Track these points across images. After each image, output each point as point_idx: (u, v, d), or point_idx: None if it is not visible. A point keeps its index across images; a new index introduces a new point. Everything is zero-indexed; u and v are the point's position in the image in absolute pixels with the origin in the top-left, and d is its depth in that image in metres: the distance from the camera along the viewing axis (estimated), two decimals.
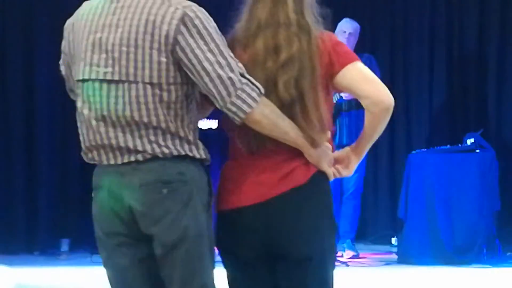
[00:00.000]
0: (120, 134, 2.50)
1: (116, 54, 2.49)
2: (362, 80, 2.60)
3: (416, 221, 6.74)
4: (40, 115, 7.79)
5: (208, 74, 2.45)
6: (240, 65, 2.50)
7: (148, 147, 2.48)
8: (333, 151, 2.69)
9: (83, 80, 2.54)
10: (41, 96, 7.78)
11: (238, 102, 2.46)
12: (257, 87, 2.49)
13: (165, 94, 2.48)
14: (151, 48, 2.46)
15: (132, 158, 2.50)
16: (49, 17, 7.83)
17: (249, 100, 2.47)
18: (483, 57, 8.08)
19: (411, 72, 8.30)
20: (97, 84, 2.51)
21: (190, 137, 2.53)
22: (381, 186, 8.32)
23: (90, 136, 2.55)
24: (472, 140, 6.94)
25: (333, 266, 2.70)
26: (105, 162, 2.55)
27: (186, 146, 2.52)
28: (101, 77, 2.50)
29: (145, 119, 2.48)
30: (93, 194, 2.62)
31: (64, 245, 7.48)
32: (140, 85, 2.47)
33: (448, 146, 7.04)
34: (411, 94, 8.28)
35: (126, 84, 2.48)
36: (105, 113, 2.50)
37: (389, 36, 8.41)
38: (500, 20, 8.01)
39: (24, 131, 7.77)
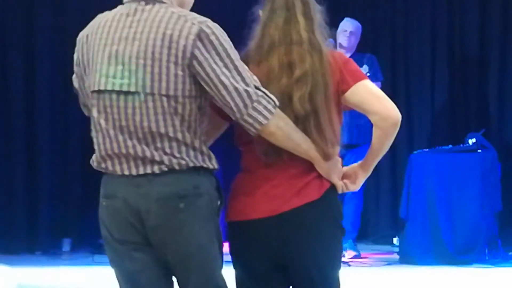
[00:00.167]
0: (137, 144, 2.56)
1: (133, 67, 2.55)
2: (371, 97, 2.72)
3: (418, 221, 6.74)
4: (41, 116, 7.80)
5: (225, 87, 2.52)
6: (255, 78, 2.58)
7: (165, 158, 2.55)
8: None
9: (99, 91, 2.59)
10: (42, 97, 7.79)
11: (255, 114, 2.54)
12: (272, 99, 2.57)
13: (180, 107, 2.54)
14: (168, 61, 2.53)
15: (148, 170, 2.56)
16: (50, 16, 7.84)
17: (265, 112, 2.55)
18: (485, 57, 8.08)
19: (413, 72, 8.31)
20: (114, 95, 2.57)
21: (204, 149, 2.60)
22: (382, 186, 8.33)
23: (107, 145, 2.60)
24: (473, 140, 6.94)
25: (339, 268, 2.80)
26: (119, 173, 2.60)
27: (199, 157, 2.59)
28: (117, 88, 2.56)
29: (162, 130, 2.54)
30: (103, 202, 2.65)
31: (66, 245, 7.49)
32: (157, 97, 2.53)
33: (450, 146, 7.04)
34: (412, 94, 8.28)
35: (142, 96, 2.54)
36: (123, 123, 2.57)
37: (390, 36, 8.42)
38: (501, 19, 8.01)
39: (25, 131, 7.78)
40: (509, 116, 7.95)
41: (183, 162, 2.56)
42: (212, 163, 2.62)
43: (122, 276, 2.71)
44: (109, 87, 2.57)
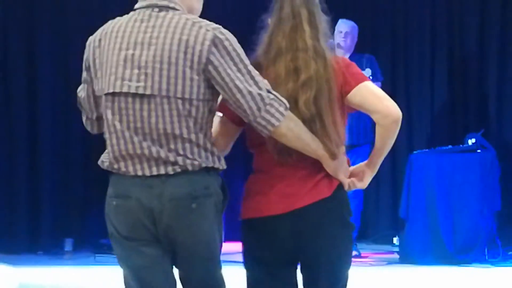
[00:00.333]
0: (152, 145, 2.65)
1: (149, 70, 2.64)
2: (372, 97, 2.86)
3: (418, 221, 6.75)
4: (43, 116, 7.81)
5: (240, 91, 2.64)
6: (266, 81, 2.71)
7: (179, 159, 2.65)
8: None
9: (114, 94, 2.68)
10: (43, 98, 7.79)
11: (267, 116, 2.67)
12: (283, 102, 2.70)
13: (194, 109, 2.65)
14: (184, 66, 2.63)
15: (162, 171, 2.65)
16: (50, 18, 7.86)
17: (277, 115, 2.67)
18: (484, 57, 8.08)
19: (412, 72, 8.31)
20: (129, 98, 2.66)
21: (214, 149, 2.72)
22: (382, 186, 8.33)
23: (121, 146, 2.68)
24: (473, 140, 6.96)
25: (349, 266, 3.02)
26: (132, 173, 2.68)
27: (210, 158, 2.70)
28: (133, 90, 2.65)
29: (177, 132, 2.64)
30: (113, 202, 2.73)
31: (68, 245, 7.49)
32: (172, 100, 2.64)
33: (449, 146, 7.05)
34: (412, 94, 8.29)
35: (158, 99, 2.64)
36: (138, 125, 2.66)
37: (390, 36, 8.42)
38: (501, 20, 8.02)
39: (27, 132, 7.79)
40: (508, 116, 7.96)
41: (196, 162, 2.66)
42: (221, 164, 2.74)
43: (130, 271, 2.78)
44: (125, 90, 2.66)
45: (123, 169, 2.70)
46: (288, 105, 2.71)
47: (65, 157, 7.92)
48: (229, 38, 2.68)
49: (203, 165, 2.68)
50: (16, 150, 7.76)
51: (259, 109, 2.66)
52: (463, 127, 7.88)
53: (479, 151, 6.92)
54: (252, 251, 2.91)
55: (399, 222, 7.17)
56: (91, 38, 2.81)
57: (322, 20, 2.92)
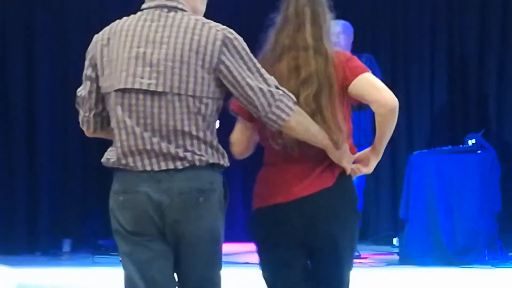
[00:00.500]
0: (161, 141, 2.74)
1: (161, 68, 2.74)
2: (370, 87, 2.99)
3: (418, 221, 6.74)
4: (41, 117, 7.81)
5: (251, 88, 2.77)
6: (273, 78, 2.84)
7: (187, 155, 2.74)
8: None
9: (125, 90, 2.77)
10: (42, 98, 7.79)
11: (278, 112, 2.80)
12: (291, 97, 2.83)
13: (203, 107, 2.76)
14: (196, 64, 2.74)
15: (171, 166, 2.74)
16: (50, 19, 7.85)
17: (286, 110, 2.81)
18: (484, 58, 8.08)
19: (412, 72, 8.31)
20: (141, 95, 2.75)
21: (219, 147, 2.83)
22: (382, 187, 8.33)
23: (131, 141, 2.76)
24: (473, 140, 6.94)
25: (354, 251, 3.17)
26: (140, 168, 2.76)
27: (216, 155, 2.81)
28: (145, 87, 2.75)
29: (186, 129, 2.74)
30: (120, 197, 2.80)
31: (66, 246, 7.49)
32: (183, 97, 2.74)
33: (449, 146, 7.04)
34: (412, 94, 8.28)
35: (170, 96, 2.73)
36: (148, 121, 2.74)
37: (390, 37, 8.42)
38: (501, 20, 8.01)
39: (25, 132, 7.78)
40: (508, 116, 7.95)
41: (203, 158, 2.76)
42: (226, 161, 2.84)
43: (134, 266, 2.82)
44: (136, 86, 2.75)
45: (131, 164, 2.77)
46: (295, 100, 2.84)
47: (63, 158, 7.91)
48: (238, 38, 2.79)
49: (210, 161, 2.77)
50: (15, 150, 7.76)
51: (269, 105, 2.78)
52: (463, 128, 7.87)
53: (479, 151, 6.90)
54: (265, 240, 3.07)
55: (399, 223, 7.16)
56: (98, 37, 2.88)
57: (327, 18, 3.05)
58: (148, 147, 2.74)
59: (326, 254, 3.06)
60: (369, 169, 3.12)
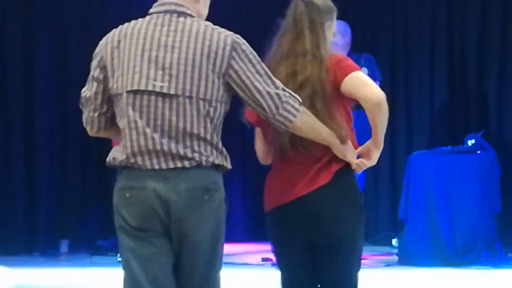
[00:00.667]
0: (170, 142, 2.84)
1: (174, 72, 2.84)
2: (358, 84, 3.12)
3: (417, 222, 6.73)
4: (40, 116, 7.79)
5: (259, 92, 2.89)
6: (278, 81, 2.96)
7: (195, 155, 2.84)
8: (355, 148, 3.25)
9: (137, 91, 2.86)
10: (41, 97, 7.78)
11: (285, 113, 2.92)
12: (297, 98, 2.96)
13: (211, 110, 2.87)
14: (207, 69, 2.85)
15: (179, 164, 2.83)
16: (48, 19, 7.84)
17: (293, 111, 2.94)
18: (484, 58, 8.07)
19: (412, 73, 8.30)
20: (153, 96, 2.84)
21: (223, 149, 2.93)
22: (381, 187, 8.32)
23: (141, 141, 2.84)
24: (473, 141, 6.94)
25: (361, 248, 3.23)
26: (148, 167, 2.84)
27: (220, 157, 2.91)
28: (158, 90, 2.84)
29: (195, 131, 2.84)
30: (127, 194, 2.87)
31: (64, 246, 7.48)
32: (194, 100, 2.84)
33: (449, 147, 7.03)
34: (411, 95, 8.28)
35: (181, 99, 2.84)
36: (158, 122, 2.84)
37: (389, 37, 8.41)
38: (501, 20, 8.01)
39: (23, 133, 7.77)
40: (508, 117, 7.95)
41: (210, 159, 2.86)
42: (228, 163, 2.94)
43: (136, 260, 2.88)
44: (149, 88, 2.85)
45: (140, 162, 2.85)
46: (301, 101, 2.96)
47: (61, 158, 7.90)
48: (245, 43, 2.91)
49: (216, 162, 2.88)
50: (13, 151, 7.75)
51: (277, 107, 2.91)
52: (462, 128, 7.87)
53: (479, 152, 6.90)
54: (274, 238, 3.25)
55: (398, 224, 7.15)
56: (107, 39, 2.96)
57: (324, 25, 3.23)
58: (158, 147, 2.83)
59: (329, 252, 3.15)
60: (372, 161, 3.21)
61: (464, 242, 6.67)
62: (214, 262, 2.91)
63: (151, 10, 2.98)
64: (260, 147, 3.30)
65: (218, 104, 2.88)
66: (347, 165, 3.16)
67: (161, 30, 2.90)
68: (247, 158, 7.69)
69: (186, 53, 2.85)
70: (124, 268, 2.92)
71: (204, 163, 2.85)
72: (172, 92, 2.83)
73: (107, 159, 2.94)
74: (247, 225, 8.20)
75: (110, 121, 3.00)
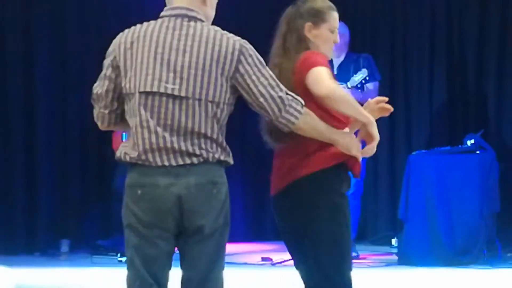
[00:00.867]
0: (180, 140, 2.99)
1: (185, 75, 3.00)
2: (314, 81, 3.25)
3: (416, 222, 6.73)
4: (40, 116, 7.79)
5: (263, 95, 3.04)
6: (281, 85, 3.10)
7: (202, 152, 3.00)
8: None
9: (149, 92, 3.01)
10: (41, 96, 7.78)
11: (287, 116, 3.07)
12: (299, 101, 3.11)
13: (219, 112, 3.03)
14: (216, 72, 3.00)
15: (188, 161, 2.99)
16: (48, 15, 7.84)
17: (296, 113, 3.09)
18: (483, 58, 8.08)
19: (411, 73, 8.31)
20: (164, 97, 3.00)
21: (227, 147, 3.09)
22: (381, 187, 8.33)
23: (152, 139, 3.00)
24: (472, 141, 6.94)
25: (336, 240, 3.34)
26: (159, 164, 3.00)
27: (224, 154, 3.06)
28: (169, 91, 3.00)
29: (202, 130, 3.00)
30: (139, 191, 3.01)
31: (64, 246, 7.47)
32: (203, 102, 3.00)
33: (448, 147, 7.04)
34: (411, 95, 8.28)
35: (191, 101, 2.99)
36: (168, 122, 2.99)
37: (389, 37, 8.42)
38: (500, 21, 8.01)
39: (24, 132, 7.77)
40: (507, 117, 7.95)
41: (216, 155, 3.03)
42: (231, 159, 3.10)
43: (140, 258, 3.02)
44: (161, 90, 3.00)
45: (151, 159, 3.00)
46: (303, 103, 3.11)
47: (62, 158, 7.90)
48: (252, 48, 3.07)
49: (221, 158, 3.04)
50: (13, 151, 7.74)
51: (280, 110, 3.05)
52: (462, 128, 7.87)
53: (478, 152, 6.90)
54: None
55: (397, 224, 7.16)
56: (120, 40, 3.09)
57: (307, 26, 3.41)
58: (168, 145, 2.98)
59: (305, 244, 3.31)
60: (376, 137, 3.27)
61: (463, 242, 6.68)
62: (219, 252, 3.06)
63: (162, 14, 3.11)
64: None
65: (225, 106, 3.04)
66: (316, 172, 3.28)
67: (173, 33, 3.04)
68: (247, 158, 7.70)
69: (196, 57, 3.00)
70: (128, 265, 3.06)
71: (210, 159, 3.01)
72: (182, 94, 2.98)
73: (117, 155, 3.07)
74: (247, 225, 8.21)
75: (120, 117, 3.15)
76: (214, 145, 3.03)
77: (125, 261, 3.11)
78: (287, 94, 3.08)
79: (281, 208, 3.36)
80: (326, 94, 3.20)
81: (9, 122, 7.75)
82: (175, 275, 3.14)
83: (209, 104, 3.00)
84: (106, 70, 3.11)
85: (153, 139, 2.99)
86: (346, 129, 3.35)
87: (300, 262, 3.39)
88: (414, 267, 6.61)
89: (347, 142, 3.29)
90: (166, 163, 2.99)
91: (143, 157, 3.01)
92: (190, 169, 2.99)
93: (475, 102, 8.13)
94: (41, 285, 6.26)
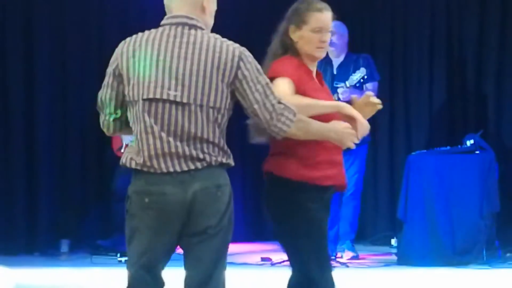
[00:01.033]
0: (184, 144, 3.08)
1: (186, 82, 3.08)
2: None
3: (416, 222, 6.74)
4: (41, 116, 7.79)
5: (257, 102, 3.13)
6: (277, 93, 3.21)
7: (205, 156, 3.10)
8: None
9: (152, 99, 3.09)
10: (41, 96, 7.77)
11: (279, 125, 3.16)
12: (292, 110, 3.18)
13: (219, 117, 3.12)
14: (217, 79, 3.09)
15: (192, 166, 3.08)
16: (48, 15, 7.84)
17: (287, 122, 3.17)
18: (483, 58, 8.08)
19: (411, 73, 8.31)
20: (167, 104, 3.08)
21: (228, 150, 3.18)
22: (380, 187, 8.33)
23: (157, 145, 3.08)
24: (471, 141, 6.94)
25: (298, 243, 3.49)
26: (164, 170, 3.08)
27: (225, 156, 3.16)
28: (171, 98, 3.08)
29: (205, 135, 3.09)
30: (146, 199, 3.09)
31: (64, 246, 7.47)
32: (205, 108, 3.09)
33: (448, 147, 7.04)
34: (410, 95, 8.28)
35: (193, 107, 3.08)
36: (172, 128, 3.08)
37: (389, 37, 8.42)
38: (499, 21, 8.01)
39: (24, 132, 7.76)
40: (507, 117, 7.95)
41: (218, 159, 3.12)
42: (231, 161, 3.19)
43: (143, 260, 3.11)
44: (164, 97, 3.08)
45: (156, 166, 3.08)
46: (296, 111, 3.19)
47: (62, 158, 7.89)
48: (250, 55, 3.15)
49: (223, 161, 3.14)
50: (13, 151, 7.74)
51: (272, 118, 3.14)
52: (461, 128, 7.87)
53: (477, 152, 6.90)
54: None
55: (397, 224, 7.15)
56: (122, 49, 3.16)
57: (291, 28, 3.53)
58: (173, 150, 3.06)
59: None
60: (354, 114, 3.41)
61: (463, 242, 6.68)
62: (222, 252, 3.16)
63: (163, 22, 3.18)
64: None
65: (225, 112, 3.13)
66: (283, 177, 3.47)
67: (174, 41, 3.11)
68: (247, 158, 7.70)
69: (197, 64, 3.08)
70: (128, 265, 3.16)
71: (213, 163, 3.10)
72: (184, 100, 3.07)
73: (122, 161, 3.15)
74: (247, 225, 8.21)
75: (125, 123, 3.22)
76: (216, 149, 3.12)
77: (125, 261, 3.14)
78: (279, 103, 3.15)
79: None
80: None
81: (9, 122, 7.75)
82: (178, 275, 3.16)
83: (211, 110, 3.08)
84: (109, 79, 3.19)
85: (158, 145, 3.08)
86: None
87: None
88: (414, 267, 6.62)
89: (340, 137, 3.40)
90: (171, 169, 3.07)
91: (148, 163, 3.09)
92: (195, 174, 3.08)
93: (475, 102, 8.13)
94: (41, 285, 6.26)
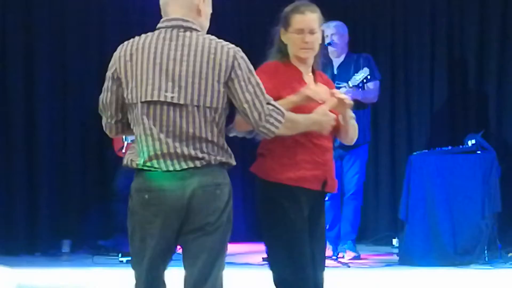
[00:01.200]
0: (183, 145, 3.13)
1: (183, 83, 3.14)
2: None
3: (417, 222, 6.73)
4: (41, 116, 7.79)
5: (247, 102, 3.18)
6: (267, 94, 3.25)
7: (204, 155, 3.15)
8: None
9: (151, 102, 3.15)
10: (41, 97, 7.78)
11: (268, 126, 3.22)
12: (281, 111, 3.25)
13: (217, 116, 3.17)
14: (213, 80, 3.14)
15: (191, 165, 3.13)
16: (49, 16, 7.84)
17: (276, 123, 3.23)
18: (484, 58, 8.08)
19: (412, 73, 8.31)
20: (165, 106, 3.14)
21: (228, 149, 3.23)
22: (382, 187, 8.33)
23: (156, 146, 3.15)
24: (473, 141, 6.94)
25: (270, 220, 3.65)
26: (164, 169, 3.14)
27: (225, 155, 3.21)
28: (169, 100, 3.14)
29: (203, 135, 3.15)
30: (146, 195, 3.15)
31: (65, 246, 7.48)
32: (202, 109, 3.14)
33: (449, 147, 7.03)
34: (412, 95, 8.28)
35: (190, 108, 3.13)
36: (171, 129, 3.14)
37: (390, 37, 8.42)
38: (500, 21, 8.01)
39: (24, 132, 7.77)
40: (508, 117, 7.95)
41: (218, 158, 3.17)
42: (233, 160, 3.24)
43: (146, 257, 3.16)
44: (162, 99, 3.14)
45: (156, 165, 3.14)
46: (285, 112, 3.27)
47: (63, 159, 7.90)
48: (244, 56, 3.21)
49: (223, 160, 3.18)
50: (14, 152, 7.74)
51: (260, 119, 3.19)
52: (463, 128, 7.86)
53: (479, 152, 6.90)
54: None
55: (398, 224, 7.16)
56: (120, 53, 3.22)
57: (281, 31, 3.67)
58: (172, 150, 3.12)
59: None
60: (311, 94, 3.52)
61: (464, 242, 6.68)
62: (220, 250, 3.17)
63: (159, 25, 3.24)
64: None
65: (223, 111, 3.18)
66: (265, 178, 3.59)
67: (169, 44, 3.17)
68: (247, 158, 7.69)
69: (193, 66, 3.13)
70: (133, 264, 3.23)
71: (213, 162, 3.15)
72: (181, 102, 3.12)
73: (125, 162, 3.23)
74: (248, 226, 8.21)
75: (127, 125, 3.29)
76: (216, 148, 3.17)
77: (127, 261, 3.16)
78: (268, 104, 3.21)
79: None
80: None
81: (9, 122, 7.75)
82: (178, 275, 3.16)
83: (207, 110, 3.14)
84: (108, 83, 3.25)
85: (157, 146, 3.13)
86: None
87: None
88: (415, 267, 6.62)
89: (320, 127, 3.52)
90: (171, 168, 3.13)
91: (149, 163, 3.15)
92: (194, 172, 3.12)
93: (476, 102, 8.13)
94: (42, 285, 6.26)
